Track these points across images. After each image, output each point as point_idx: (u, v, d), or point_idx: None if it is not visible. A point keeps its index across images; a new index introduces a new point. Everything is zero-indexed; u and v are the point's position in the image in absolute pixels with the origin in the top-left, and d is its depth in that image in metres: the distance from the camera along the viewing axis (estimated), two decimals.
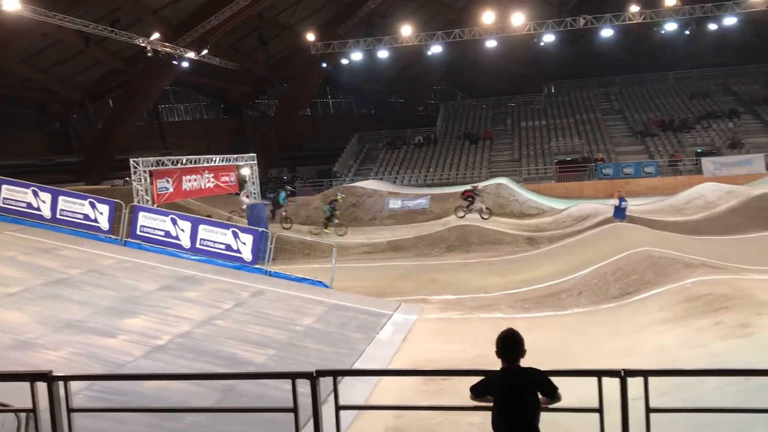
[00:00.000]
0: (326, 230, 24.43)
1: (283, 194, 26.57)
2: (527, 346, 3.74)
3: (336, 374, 4.11)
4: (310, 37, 37.51)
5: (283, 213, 25.54)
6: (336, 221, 24.95)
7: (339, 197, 26.52)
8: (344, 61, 40.23)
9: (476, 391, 3.77)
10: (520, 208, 28.47)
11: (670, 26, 37.81)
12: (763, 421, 4.34)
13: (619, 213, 20.64)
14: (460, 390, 4.06)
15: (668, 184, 32.15)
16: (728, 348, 7.22)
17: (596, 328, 10.01)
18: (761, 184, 27.00)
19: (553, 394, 3.62)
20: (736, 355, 6.98)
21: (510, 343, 3.72)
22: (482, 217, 24.38)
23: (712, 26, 39.47)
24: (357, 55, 38.15)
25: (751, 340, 7.18)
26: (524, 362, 3.76)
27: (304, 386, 4.00)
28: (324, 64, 41.74)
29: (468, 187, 26.91)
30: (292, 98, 47.18)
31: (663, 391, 6.34)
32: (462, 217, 24.61)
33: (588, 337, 9.59)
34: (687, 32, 39.74)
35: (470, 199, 25.07)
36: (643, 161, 36.16)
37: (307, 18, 40.34)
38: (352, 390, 7.27)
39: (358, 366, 8.76)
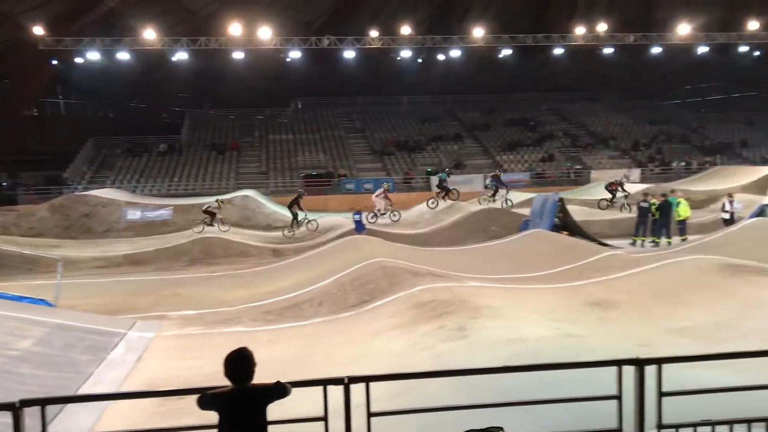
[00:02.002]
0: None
1: (443, 175, 28.70)
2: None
3: (45, 403, 3.70)
4: (38, 30, 33.98)
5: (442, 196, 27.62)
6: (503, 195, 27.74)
7: (499, 173, 30.16)
8: (79, 60, 37.14)
9: (202, 402, 3.63)
10: (267, 221, 28.62)
11: (406, 54, 40.97)
12: (474, 416, 4.79)
13: (360, 226, 21.78)
14: (196, 409, 3.92)
15: (403, 199, 34.50)
16: (449, 350, 7.92)
17: (335, 337, 10.34)
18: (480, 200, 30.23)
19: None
20: (455, 356, 7.67)
21: (236, 365, 3.65)
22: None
23: (441, 57, 43.52)
24: (94, 55, 35.49)
25: (466, 341, 7.96)
26: (268, 373, 3.73)
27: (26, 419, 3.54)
28: (55, 62, 38.13)
29: (615, 179, 28.42)
30: (15, 96, 42.27)
31: (393, 394, 6.75)
32: (604, 209, 26.50)
33: (328, 346, 9.87)
34: (420, 61, 43.39)
35: (614, 191, 26.51)
36: (382, 178, 38.46)
37: (36, 9, 36.47)
38: (77, 417, 6.65)
39: (84, 390, 8.04)
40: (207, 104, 53.42)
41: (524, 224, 21.21)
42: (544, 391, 5.31)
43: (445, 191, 27.63)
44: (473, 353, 7.54)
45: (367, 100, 50.41)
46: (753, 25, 43.76)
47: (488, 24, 43.72)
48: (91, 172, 38.74)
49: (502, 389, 5.61)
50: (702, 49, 44.35)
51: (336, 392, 3.86)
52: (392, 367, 7.77)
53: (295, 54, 39.35)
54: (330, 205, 34.34)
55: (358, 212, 23.35)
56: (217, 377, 3.89)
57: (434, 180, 28.74)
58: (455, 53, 42.70)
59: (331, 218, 26.31)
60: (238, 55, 37.59)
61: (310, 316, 11.76)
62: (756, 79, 51.66)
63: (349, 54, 40.04)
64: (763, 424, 4.07)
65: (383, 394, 6.54)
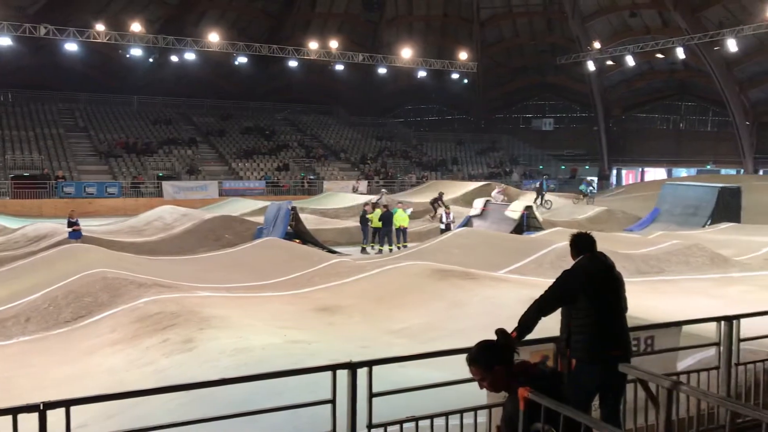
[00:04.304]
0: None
1: (545, 183, 34.44)
2: None
3: None
4: None
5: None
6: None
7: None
8: None
9: None
10: None
11: (136, 51, 38.84)
12: (197, 430, 4.65)
13: (74, 234, 19.95)
14: None
15: (130, 205, 32.67)
16: (173, 363, 7.64)
17: (45, 356, 9.39)
18: (214, 208, 29.76)
19: None
20: (180, 369, 7.43)
21: None
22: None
23: (174, 58, 42.04)
24: None
25: (192, 354, 7.75)
26: None
27: None
28: None
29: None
30: None
31: (110, 414, 6.30)
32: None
33: (35, 367, 8.92)
34: (151, 60, 41.41)
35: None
36: (107, 182, 35.97)
37: None
38: None
39: None
40: None
41: (258, 232, 21.28)
42: (270, 399, 5.36)
43: (541, 197, 31.82)
44: (199, 365, 7.37)
45: (92, 98, 46.50)
46: (463, 55, 49.24)
47: (224, 30, 43.37)
48: None
49: (228, 400, 5.55)
50: (421, 74, 48.64)
51: (34, 420, 3.47)
52: (110, 386, 7.27)
53: (4, 41, 35.07)
54: (45, 210, 31.12)
55: (72, 217, 21.01)
56: None
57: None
58: (190, 56, 41.54)
59: (46, 225, 23.78)
60: None
61: (14, 335, 10.50)
62: (465, 103, 58.16)
63: (70, 46, 36.78)
64: (458, 415, 4.54)
65: (98, 416, 6.09)
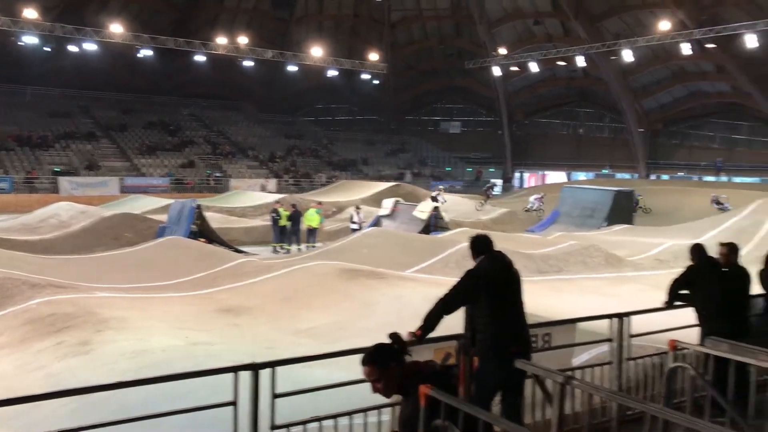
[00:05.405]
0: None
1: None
2: None
3: None
4: None
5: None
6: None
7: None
8: None
9: None
10: None
11: (30, 39, 36.86)
12: None
13: None
14: None
15: (23, 201, 30.98)
16: (67, 367, 7.30)
17: None
18: (114, 205, 28.59)
19: None
20: (74, 373, 7.10)
21: None
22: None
23: (74, 48, 40.18)
24: None
25: (89, 357, 7.43)
26: None
27: None
28: None
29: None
30: None
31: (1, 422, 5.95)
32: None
33: None
34: (48, 49, 39.38)
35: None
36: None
37: None
38: None
39: None
40: None
41: (161, 231, 20.61)
42: (169, 402, 5.20)
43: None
44: (96, 369, 7.07)
45: None
46: (373, 56, 49.57)
47: (127, 21, 41.83)
48: None
49: (126, 404, 5.36)
50: (332, 73, 48.56)
51: None
52: None
53: None
54: None
55: None
56: None
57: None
58: (90, 47, 39.78)
59: None
60: None
61: None
62: (375, 104, 58.51)
63: None
64: (362, 414, 4.57)
65: None
